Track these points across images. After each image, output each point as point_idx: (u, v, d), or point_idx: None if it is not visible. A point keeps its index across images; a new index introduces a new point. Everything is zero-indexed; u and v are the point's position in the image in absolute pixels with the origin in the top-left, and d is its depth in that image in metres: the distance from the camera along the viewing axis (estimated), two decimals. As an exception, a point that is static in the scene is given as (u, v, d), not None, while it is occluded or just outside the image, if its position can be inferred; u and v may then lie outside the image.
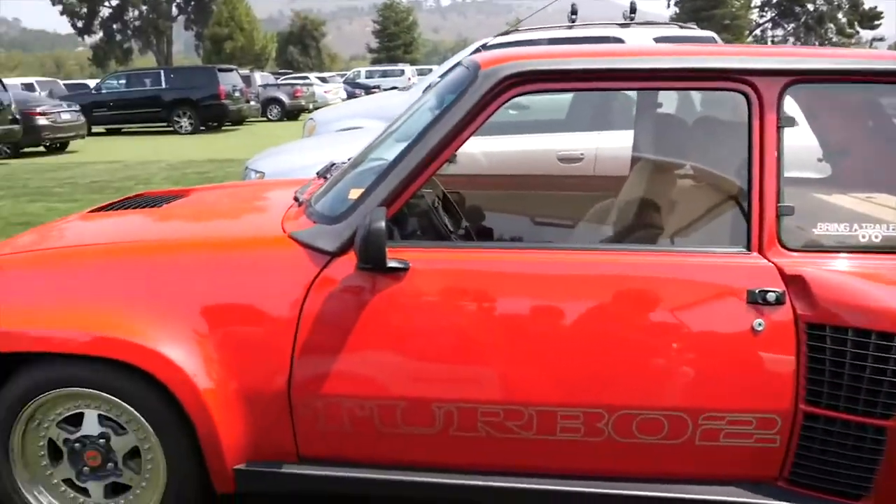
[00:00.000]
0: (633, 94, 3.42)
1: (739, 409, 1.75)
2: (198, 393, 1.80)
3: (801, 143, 2.71)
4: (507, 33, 5.13)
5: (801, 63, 1.84)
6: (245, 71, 24.98)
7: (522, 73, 1.83)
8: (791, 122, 1.81)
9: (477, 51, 4.25)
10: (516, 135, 4.44)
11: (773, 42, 49.79)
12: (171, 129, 18.30)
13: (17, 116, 12.65)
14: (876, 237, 1.82)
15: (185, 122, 18.21)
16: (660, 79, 1.91)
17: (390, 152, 2.00)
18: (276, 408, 1.84)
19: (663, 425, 1.77)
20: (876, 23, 44.52)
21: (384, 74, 31.04)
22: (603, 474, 1.85)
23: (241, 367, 1.83)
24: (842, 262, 1.80)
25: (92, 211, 2.64)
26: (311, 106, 22.25)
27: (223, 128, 19.42)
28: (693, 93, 3.24)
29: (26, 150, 13.99)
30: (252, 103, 20.55)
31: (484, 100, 1.82)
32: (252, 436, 1.87)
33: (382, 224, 1.68)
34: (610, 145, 4.13)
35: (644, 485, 1.83)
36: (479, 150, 4.35)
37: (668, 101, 3.18)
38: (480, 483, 1.84)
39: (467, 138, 1.85)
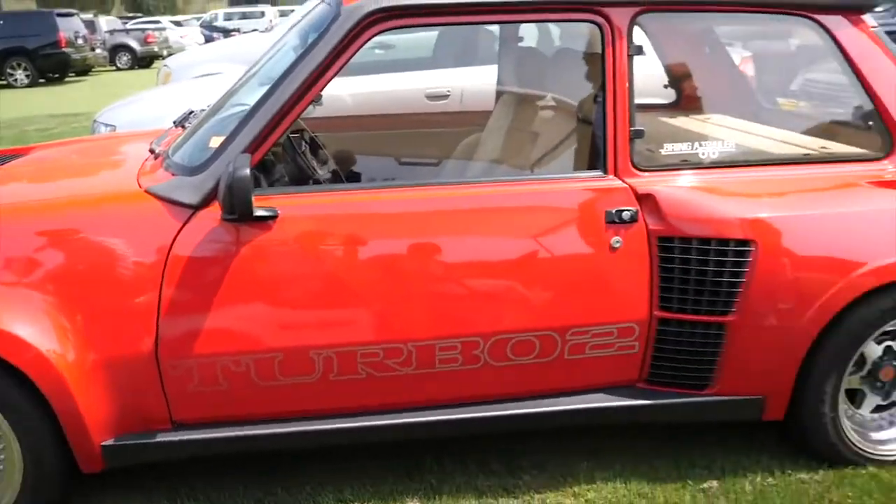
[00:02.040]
0: (496, 29, 3.47)
1: (602, 322, 1.87)
2: (52, 369, 1.67)
3: (649, 71, 2.87)
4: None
5: None
6: (88, 15, 22.94)
7: (385, 8, 1.79)
8: (640, 50, 1.90)
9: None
10: (384, 74, 4.41)
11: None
12: (5, 82, 16.63)
13: None
14: (714, 154, 1.98)
15: (19, 75, 16.55)
16: (517, 11, 1.94)
17: (252, 96, 1.92)
18: (144, 374, 1.76)
19: (535, 345, 1.86)
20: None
21: (244, 16, 29.34)
22: (484, 399, 1.92)
23: (101, 335, 1.73)
24: (686, 179, 1.94)
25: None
26: (165, 52, 20.83)
27: (66, 79, 17.86)
28: (552, 27, 3.32)
29: None
30: (98, 51, 18.99)
31: (348, 37, 1.78)
32: (119, 407, 1.78)
33: (247, 171, 1.62)
34: (475, 81, 4.20)
35: (521, 402, 1.92)
36: (345, 91, 4.27)
37: (530, 35, 3.25)
38: (363, 424, 1.87)
39: (332, 78, 1.81)
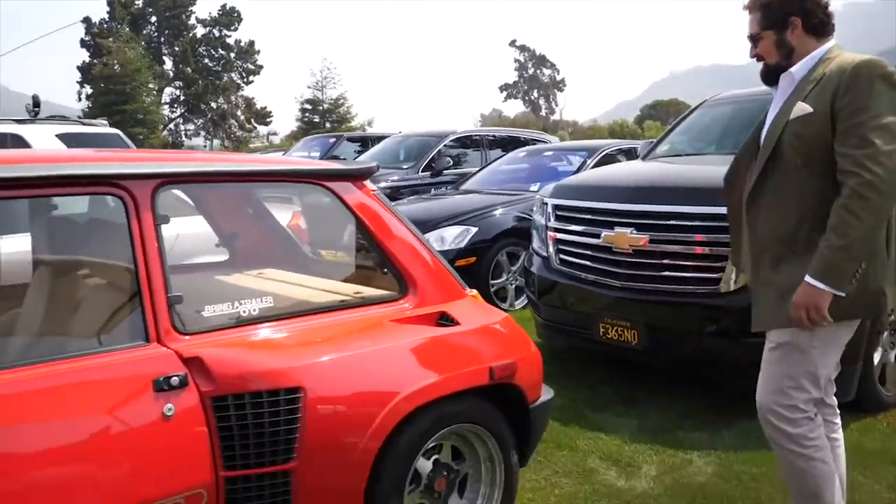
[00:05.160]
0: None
1: (167, 494, 1.78)
2: None
3: (199, 232, 2.96)
4: None
5: (169, 167, 2.02)
6: None
7: None
8: (166, 219, 1.95)
9: None
10: None
11: (186, 136, 52.82)
12: None
13: None
14: (256, 310, 2.10)
15: None
16: (44, 186, 1.86)
17: None
18: None
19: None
20: (268, 120, 52.33)
21: None
22: None
23: None
24: (232, 337, 2.01)
25: None
26: None
27: None
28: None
29: None
30: None
31: None
32: None
33: None
34: (10, 250, 3.85)
35: None
36: None
37: (63, 202, 3.08)
38: None
39: None
